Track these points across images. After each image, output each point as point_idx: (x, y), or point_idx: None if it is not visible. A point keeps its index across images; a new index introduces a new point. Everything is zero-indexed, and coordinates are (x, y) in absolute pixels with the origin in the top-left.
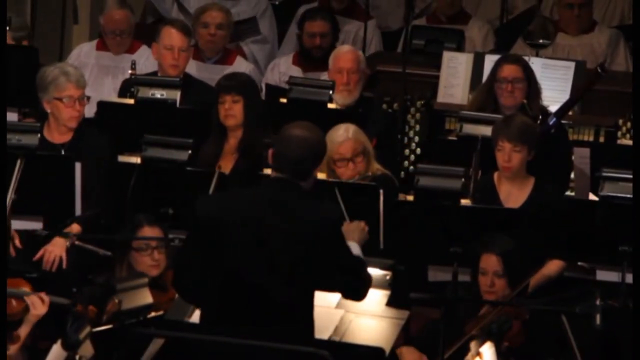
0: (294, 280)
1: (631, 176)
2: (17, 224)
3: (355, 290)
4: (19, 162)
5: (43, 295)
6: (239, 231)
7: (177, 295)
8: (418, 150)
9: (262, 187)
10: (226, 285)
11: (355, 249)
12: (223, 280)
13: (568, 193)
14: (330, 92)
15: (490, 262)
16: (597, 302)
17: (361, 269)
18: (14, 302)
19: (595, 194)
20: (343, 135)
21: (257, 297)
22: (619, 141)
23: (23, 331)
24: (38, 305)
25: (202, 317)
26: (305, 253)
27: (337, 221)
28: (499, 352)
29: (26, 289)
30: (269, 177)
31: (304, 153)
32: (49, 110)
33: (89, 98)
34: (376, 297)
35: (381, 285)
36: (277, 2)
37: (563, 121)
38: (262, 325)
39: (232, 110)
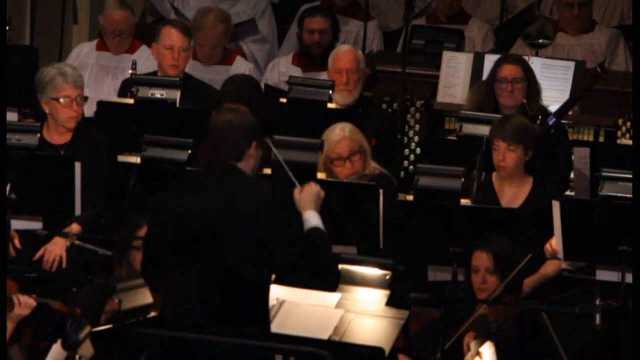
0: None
1: (631, 176)
2: (17, 224)
3: (322, 278)
4: None
5: (29, 297)
6: (194, 228)
7: None
8: (418, 150)
9: (208, 178)
10: (191, 274)
11: (313, 219)
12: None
13: (568, 193)
14: (330, 92)
15: (481, 259)
16: (597, 302)
17: (321, 246)
18: None
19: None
20: (339, 134)
21: (222, 289)
22: (619, 141)
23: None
24: (23, 305)
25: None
26: (253, 245)
27: (269, 199)
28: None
29: (11, 288)
30: (215, 166)
31: (230, 135)
32: (47, 111)
33: (87, 98)
34: (376, 297)
35: (381, 285)
36: (276, 1)
37: (563, 121)
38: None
39: None
